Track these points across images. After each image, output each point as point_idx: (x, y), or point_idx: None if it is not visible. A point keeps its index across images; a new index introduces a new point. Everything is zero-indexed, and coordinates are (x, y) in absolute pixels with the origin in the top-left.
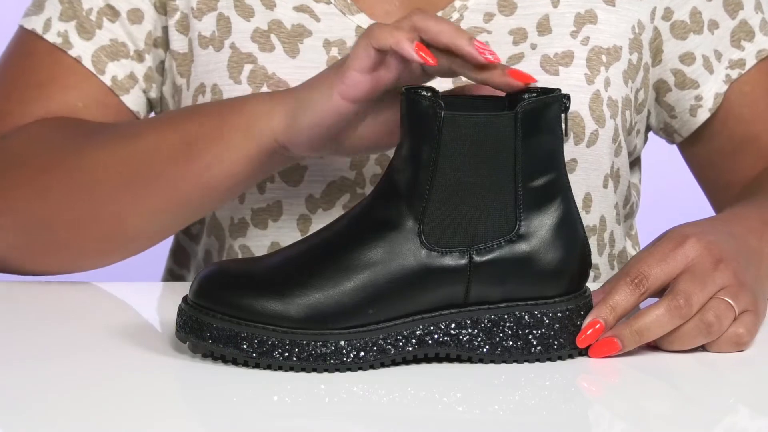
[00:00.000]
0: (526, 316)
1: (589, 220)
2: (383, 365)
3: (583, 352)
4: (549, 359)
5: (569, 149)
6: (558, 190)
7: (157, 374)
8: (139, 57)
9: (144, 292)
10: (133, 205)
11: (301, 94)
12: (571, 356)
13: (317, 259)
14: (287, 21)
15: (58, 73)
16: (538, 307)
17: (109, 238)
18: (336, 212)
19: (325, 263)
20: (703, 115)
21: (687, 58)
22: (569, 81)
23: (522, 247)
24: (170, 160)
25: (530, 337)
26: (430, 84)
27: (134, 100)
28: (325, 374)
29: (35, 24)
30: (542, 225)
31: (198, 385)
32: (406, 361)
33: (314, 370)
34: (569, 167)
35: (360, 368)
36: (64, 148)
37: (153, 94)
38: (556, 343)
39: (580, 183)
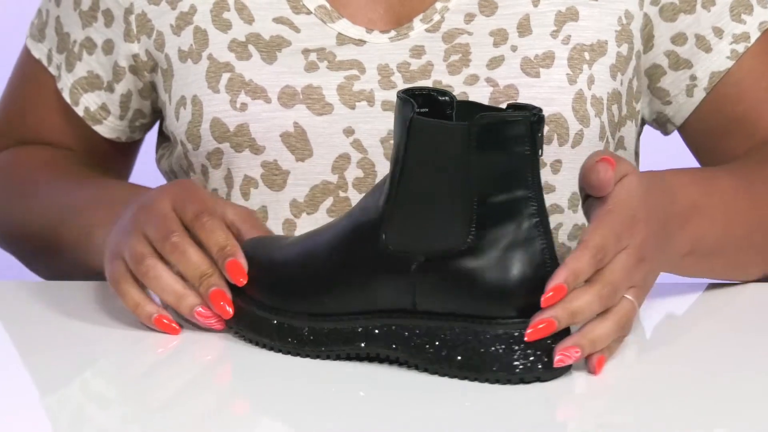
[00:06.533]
0: (456, 332)
1: (577, 218)
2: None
3: (502, 381)
4: (476, 380)
5: (553, 150)
6: (519, 210)
7: (156, 374)
8: (110, 88)
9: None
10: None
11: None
12: (498, 381)
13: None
14: (266, 33)
15: (46, 102)
16: (474, 326)
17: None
18: (320, 216)
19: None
20: (699, 94)
21: (679, 39)
22: (551, 83)
23: (468, 262)
24: (43, 249)
25: (455, 353)
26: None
27: (109, 130)
28: (325, 374)
29: (41, 54)
30: (493, 243)
31: (198, 385)
32: (359, 358)
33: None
34: (554, 168)
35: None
36: None
37: (132, 114)
38: (482, 362)
39: (565, 183)
